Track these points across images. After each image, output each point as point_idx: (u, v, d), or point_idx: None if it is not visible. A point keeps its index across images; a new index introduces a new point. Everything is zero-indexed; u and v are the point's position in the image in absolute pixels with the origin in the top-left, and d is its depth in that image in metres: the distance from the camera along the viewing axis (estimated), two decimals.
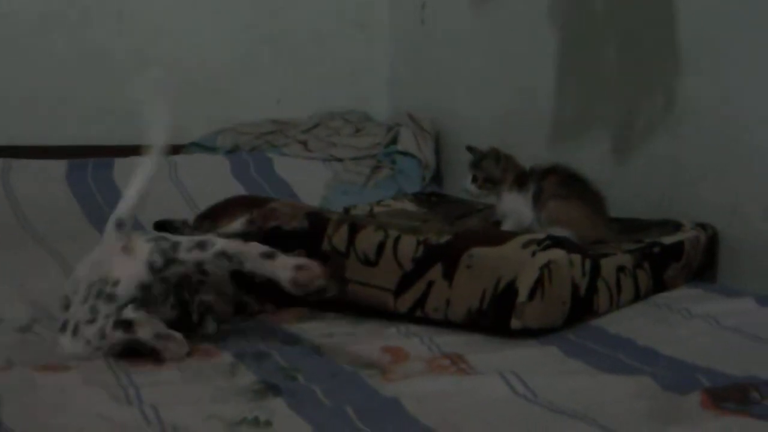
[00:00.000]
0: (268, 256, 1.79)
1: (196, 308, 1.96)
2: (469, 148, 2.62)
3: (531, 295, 1.95)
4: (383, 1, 4.02)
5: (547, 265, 1.98)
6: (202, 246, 1.84)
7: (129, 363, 1.76)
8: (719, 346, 1.84)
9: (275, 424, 1.46)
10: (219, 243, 1.84)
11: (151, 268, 1.83)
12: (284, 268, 1.77)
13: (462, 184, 2.60)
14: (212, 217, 2.43)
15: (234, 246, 1.83)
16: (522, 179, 2.50)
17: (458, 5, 3.54)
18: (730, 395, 1.51)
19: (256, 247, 1.82)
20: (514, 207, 2.49)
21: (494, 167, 2.52)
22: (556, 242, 2.07)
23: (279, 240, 2.20)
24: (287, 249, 2.15)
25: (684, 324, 2.01)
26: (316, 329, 2.02)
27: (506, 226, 2.49)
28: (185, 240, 1.87)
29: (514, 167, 2.54)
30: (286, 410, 1.51)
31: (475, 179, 2.53)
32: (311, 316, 2.13)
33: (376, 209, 2.84)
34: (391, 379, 1.67)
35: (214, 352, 1.84)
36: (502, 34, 3.35)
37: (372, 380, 1.66)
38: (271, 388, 1.61)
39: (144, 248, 1.86)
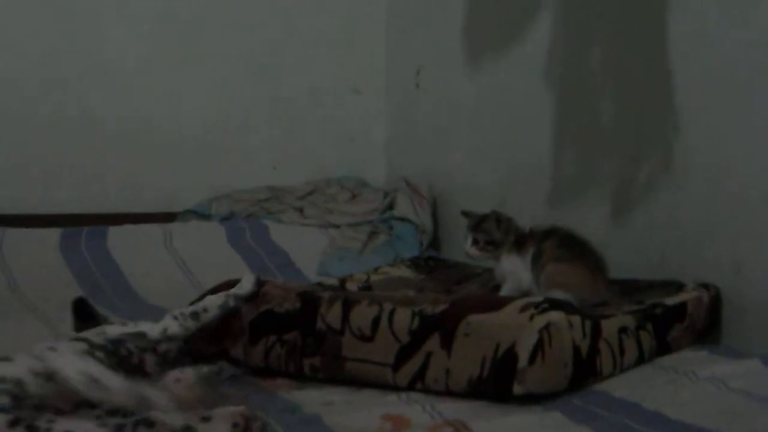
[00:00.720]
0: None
1: None
2: (464, 213, 2.61)
3: (531, 360, 1.91)
4: (379, 67, 4.03)
5: (546, 328, 1.94)
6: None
7: None
8: (728, 409, 1.80)
9: None
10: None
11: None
12: None
13: (463, 247, 2.56)
14: None
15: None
16: (521, 241, 2.49)
17: (453, 69, 3.53)
18: None
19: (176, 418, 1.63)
20: (512, 270, 2.48)
21: (495, 230, 2.50)
22: (554, 305, 2.03)
23: (273, 323, 2.18)
24: (281, 331, 2.15)
25: (691, 387, 1.96)
26: (315, 397, 1.97)
27: (505, 290, 2.46)
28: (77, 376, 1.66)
29: (514, 230, 2.53)
30: None
31: (476, 242, 2.51)
32: (307, 384, 2.09)
33: (374, 277, 2.81)
34: None
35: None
36: (498, 95, 3.34)
37: None
38: None
39: None
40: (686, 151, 2.55)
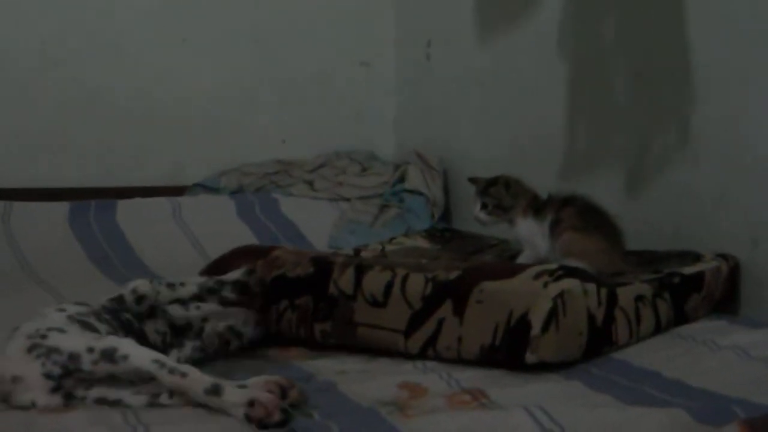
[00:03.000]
0: (214, 392, 1.60)
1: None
2: (472, 180, 2.58)
3: (545, 328, 1.88)
4: (388, 40, 3.99)
5: (560, 296, 1.91)
6: (109, 357, 1.66)
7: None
8: (751, 377, 1.77)
9: None
10: (132, 356, 1.66)
11: (50, 377, 1.67)
12: (235, 405, 1.58)
13: (472, 212, 2.52)
14: (216, 272, 2.36)
15: (171, 381, 1.64)
16: (537, 206, 2.45)
17: (464, 41, 3.50)
18: None
19: (199, 382, 1.62)
20: (529, 235, 2.44)
21: (504, 193, 2.45)
22: (569, 272, 2.00)
23: (285, 288, 2.16)
24: (294, 296, 2.13)
25: (711, 356, 1.94)
26: (329, 366, 1.95)
27: (522, 258, 2.43)
28: (84, 347, 1.68)
29: (524, 192, 2.48)
30: None
31: (484, 206, 2.47)
32: (321, 354, 2.07)
33: (388, 247, 2.78)
34: (410, 416, 1.60)
35: None
36: (510, 68, 3.31)
37: (391, 417, 1.59)
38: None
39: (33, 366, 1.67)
40: (702, 123, 2.52)
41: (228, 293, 2.11)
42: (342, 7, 3.96)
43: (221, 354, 2.04)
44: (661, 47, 2.66)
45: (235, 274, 2.14)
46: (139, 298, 1.96)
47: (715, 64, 2.48)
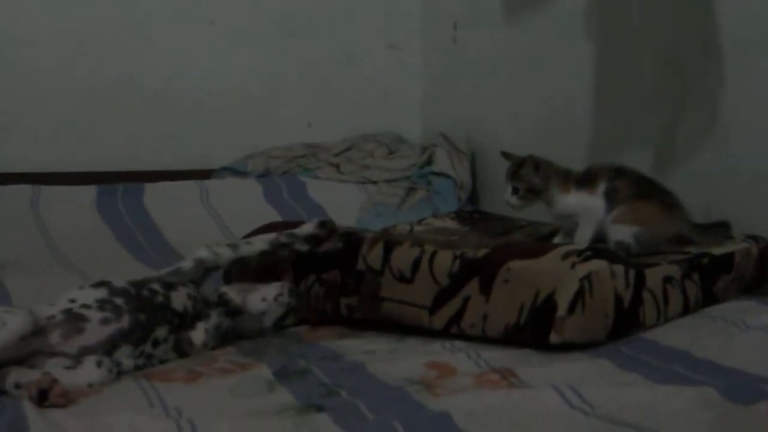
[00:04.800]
0: None
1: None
2: (505, 155, 2.51)
3: (571, 309, 1.87)
4: (415, 22, 3.98)
5: (587, 277, 1.90)
6: None
7: (160, 381, 1.71)
8: None
9: None
10: None
11: None
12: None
13: (503, 197, 2.46)
14: None
15: None
16: (588, 178, 2.39)
17: (490, 23, 3.49)
18: None
19: None
20: (584, 205, 2.37)
21: (533, 175, 2.40)
22: (597, 253, 1.99)
23: (314, 263, 2.16)
24: (322, 270, 2.13)
25: (741, 336, 1.92)
26: (357, 346, 1.95)
27: (580, 233, 2.37)
28: None
29: (555, 171, 2.44)
30: (331, 425, 1.44)
31: (515, 190, 2.41)
32: (350, 333, 2.07)
33: (417, 228, 2.78)
34: (438, 394, 1.60)
35: (254, 367, 1.78)
36: (536, 50, 3.30)
37: (419, 395, 1.59)
38: (313, 405, 1.54)
39: None
40: (732, 104, 2.50)
41: (301, 246, 2.17)
42: None
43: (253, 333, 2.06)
44: (690, 27, 2.64)
45: (307, 228, 2.18)
46: (197, 262, 2.00)
47: (744, 44, 2.46)
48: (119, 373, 1.74)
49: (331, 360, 1.83)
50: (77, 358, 1.71)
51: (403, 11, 3.99)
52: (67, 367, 1.69)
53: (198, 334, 1.93)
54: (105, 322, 1.79)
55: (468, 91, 3.71)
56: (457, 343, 1.94)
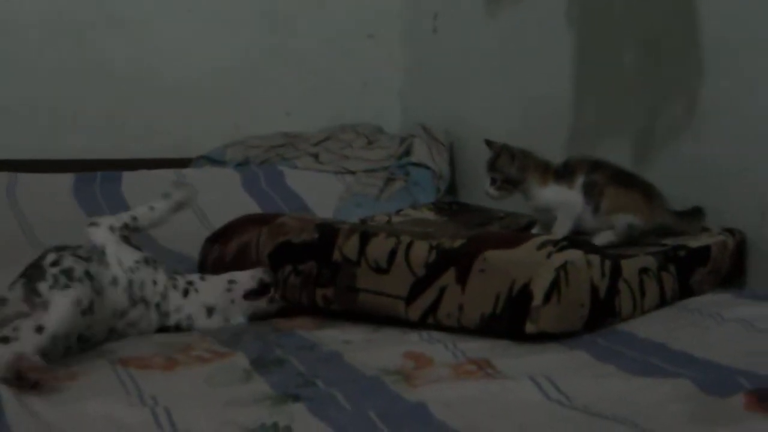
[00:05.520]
0: None
1: None
2: (488, 143, 2.51)
3: (547, 298, 1.87)
4: (395, 12, 3.99)
5: (563, 267, 1.90)
6: None
7: (137, 368, 1.70)
8: (757, 349, 1.76)
9: (295, 429, 1.39)
10: None
11: None
12: None
13: (483, 188, 2.48)
14: (222, 240, 2.37)
15: None
16: (566, 171, 2.41)
17: (471, 14, 3.49)
18: None
19: None
20: (561, 199, 2.39)
21: (510, 166, 2.41)
22: (573, 243, 1.99)
23: (290, 254, 2.16)
24: (298, 261, 2.12)
25: (717, 328, 1.93)
26: (333, 336, 1.95)
27: (558, 225, 2.38)
28: None
29: (534, 162, 2.44)
30: (307, 415, 1.43)
31: (493, 181, 2.43)
32: (326, 323, 2.07)
33: (395, 219, 2.77)
34: (415, 385, 1.59)
35: (231, 356, 1.77)
36: (517, 40, 3.30)
37: (395, 386, 1.58)
38: (290, 394, 1.53)
39: None
40: (712, 94, 2.51)
41: None
42: None
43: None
44: (670, 18, 2.64)
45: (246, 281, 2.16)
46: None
47: (724, 35, 2.46)
48: None
49: (307, 350, 1.82)
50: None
51: (384, 1, 3.98)
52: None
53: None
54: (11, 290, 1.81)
55: (448, 82, 3.71)
56: (435, 334, 1.94)
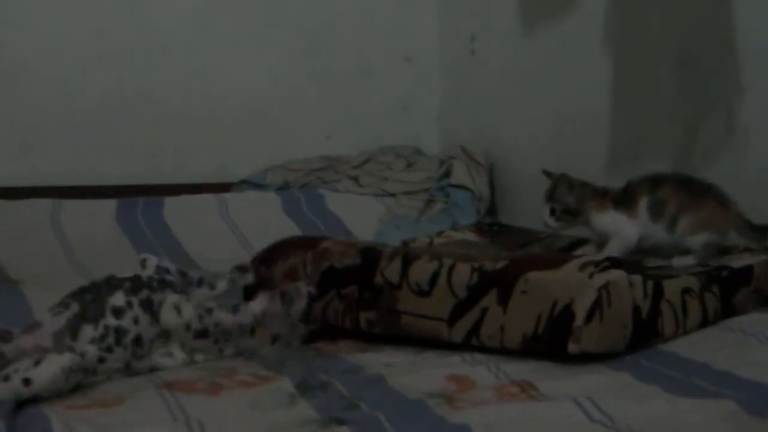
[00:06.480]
0: None
1: None
2: (546, 173, 2.52)
3: (589, 318, 1.87)
4: (432, 34, 4.00)
5: (605, 287, 1.90)
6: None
7: (182, 392, 1.72)
8: None
9: None
10: None
11: None
12: None
13: (542, 217, 2.47)
14: (268, 261, 2.38)
15: None
16: (626, 197, 2.40)
17: (508, 35, 3.50)
18: None
19: None
20: (616, 227, 2.39)
21: (568, 195, 2.41)
22: (616, 263, 1.99)
23: (333, 279, 2.17)
24: (341, 286, 2.14)
25: (761, 348, 1.92)
26: (376, 360, 1.95)
27: (609, 250, 2.38)
28: None
29: (591, 191, 2.44)
30: None
31: (552, 212, 2.43)
32: (368, 347, 2.08)
33: (437, 240, 2.78)
34: (458, 407, 1.60)
35: (275, 380, 1.79)
36: (554, 60, 3.31)
37: (439, 408, 1.59)
38: (334, 418, 1.54)
39: None
40: (749, 113, 2.51)
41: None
42: (384, 2, 3.98)
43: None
44: (707, 36, 2.65)
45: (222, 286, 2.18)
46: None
47: (762, 52, 2.46)
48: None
49: (351, 373, 1.83)
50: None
51: (421, 23, 4.01)
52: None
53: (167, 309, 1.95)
54: (56, 314, 1.83)
55: (486, 103, 3.72)
56: (477, 356, 1.94)
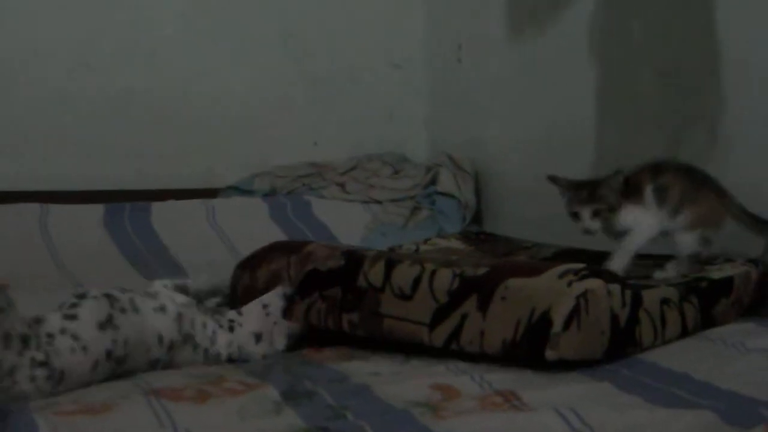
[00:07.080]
0: None
1: None
2: (553, 179, 2.45)
3: (566, 325, 1.90)
4: (419, 42, 4.02)
5: (583, 295, 1.93)
6: None
7: (169, 399, 1.73)
8: None
9: None
10: None
11: None
12: None
13: (579, 227, 2.37)
14: (252, 267, 2.41)
15: None
16: (631, 189, 2.36)
17: (495, 43, 3.52)
18: None
19: None
20: (634, 221, 2.36)
21: (612, 192, 2.34)
22: (595, 272, 2.01)
23: (317, 282, 2.19)
24: (324, 288, 2.16)
25: (740, 358, 1.94)
26: (362, 368, 1.98)
27: (630, 240, 2.37)
28: None
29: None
30: None
31: (596, 213, 2.35)
32: (355, 355, 2.10)
33: (422, 248, 2.80)
34: (443, 417, 1.62)
35: (261, 387, 1.80)
36: (540, 70, 3.33)
37: (423, 418, 1.61)
38: (320, 427, 1.56)
39: None
40: (732, 123, 2.53)
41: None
42: (374, 9, 3.99)
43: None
44: (690, 47, 2.67)
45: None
46: None
47: (744, 64, 2.48)
48: None
49: (337, 382, 1.85)
50: None
51: (408, 31, 4.03)
52: None
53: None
54: None
55: (473, 111, 3.74)
56: (461, 365, 1.96)
